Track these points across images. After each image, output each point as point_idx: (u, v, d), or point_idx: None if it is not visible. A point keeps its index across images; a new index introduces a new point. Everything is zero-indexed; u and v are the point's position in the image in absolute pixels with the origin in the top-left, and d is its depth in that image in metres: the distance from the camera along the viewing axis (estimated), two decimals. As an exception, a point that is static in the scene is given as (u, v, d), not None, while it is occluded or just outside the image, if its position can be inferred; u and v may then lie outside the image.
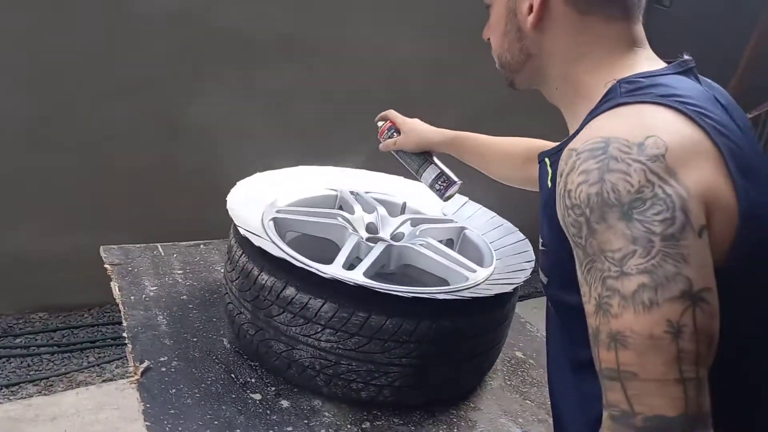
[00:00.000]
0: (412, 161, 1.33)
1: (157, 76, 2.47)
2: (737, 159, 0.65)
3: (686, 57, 0.77)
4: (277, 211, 1.35)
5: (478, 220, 1.56)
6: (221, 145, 2.66)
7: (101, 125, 2.45)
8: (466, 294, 1.12)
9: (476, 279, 1.23)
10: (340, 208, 1.54)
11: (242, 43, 2.56)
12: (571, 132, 0.78)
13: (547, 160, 0.80)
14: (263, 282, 1.14)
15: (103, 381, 2.34)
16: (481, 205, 1.62)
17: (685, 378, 0.57)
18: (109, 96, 2.42)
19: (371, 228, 1.42)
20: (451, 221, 1.51)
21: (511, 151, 1.26)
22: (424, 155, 1.32)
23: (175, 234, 1.76)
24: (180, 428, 1.03)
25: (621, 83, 0.72)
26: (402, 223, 1.44)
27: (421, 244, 1.32)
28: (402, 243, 1.32)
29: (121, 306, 1.34)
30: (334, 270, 1.15)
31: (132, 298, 1.37)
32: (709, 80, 0.79)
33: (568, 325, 0.79)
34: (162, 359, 1.19)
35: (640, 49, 0.78)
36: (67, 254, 2.48)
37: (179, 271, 1.52)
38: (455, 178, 1.31)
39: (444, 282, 1.26)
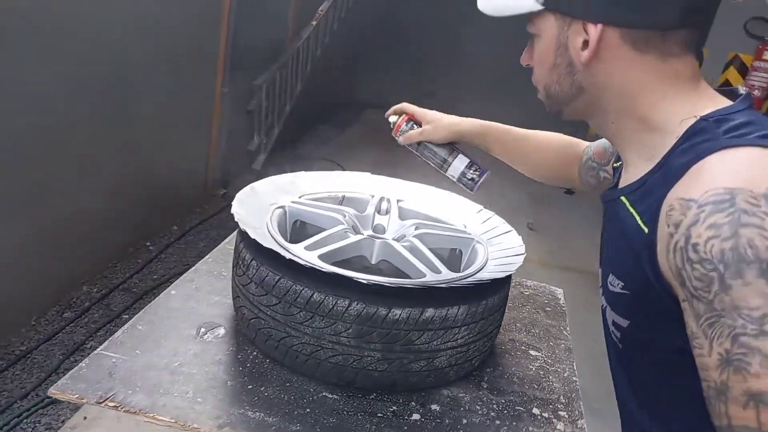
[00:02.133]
0: (437, 154, 1.29)
1: None
2: None
3: (742, 90, 0.80)
4: (306, 248, 1.27)
5: (393, 190, 1.73)
6: None
7: None
8: (521, 254, 1.40)
9: (479, 236, 1.50)
10: (295, 222, 1.50)
11: None
12: (639, 166, 0.80)
13: (624, 198, 0.80)
14: (395, 317, 1.16)
15: None
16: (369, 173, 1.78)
17: None
18: None
19: (355, 229, 1.47)
20: (385, 198, 1.64)
21: (544, 148, 1.26)
22: (449, 146, 1.28)
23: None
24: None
25: (710, 121, 0.72)
26: (373, 216, 1.53)
27: (416, 228, 1.48)
28: (421, 231, 1.44)
29: (194, 425, 1.08)
30: (437, 277, 1.26)
31: (191, 415, 1.11)
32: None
33: (640, 361, 0.83)
34: (317, 444, 1.10)
35: (699, 82, 0.80)
36: None
37: (163, 360, 1.24)
38: (484, 167, 1.25)
39: (457, 251, 1.49)
